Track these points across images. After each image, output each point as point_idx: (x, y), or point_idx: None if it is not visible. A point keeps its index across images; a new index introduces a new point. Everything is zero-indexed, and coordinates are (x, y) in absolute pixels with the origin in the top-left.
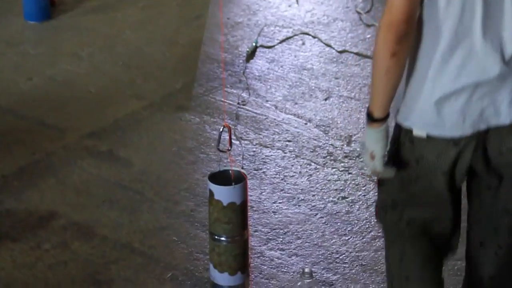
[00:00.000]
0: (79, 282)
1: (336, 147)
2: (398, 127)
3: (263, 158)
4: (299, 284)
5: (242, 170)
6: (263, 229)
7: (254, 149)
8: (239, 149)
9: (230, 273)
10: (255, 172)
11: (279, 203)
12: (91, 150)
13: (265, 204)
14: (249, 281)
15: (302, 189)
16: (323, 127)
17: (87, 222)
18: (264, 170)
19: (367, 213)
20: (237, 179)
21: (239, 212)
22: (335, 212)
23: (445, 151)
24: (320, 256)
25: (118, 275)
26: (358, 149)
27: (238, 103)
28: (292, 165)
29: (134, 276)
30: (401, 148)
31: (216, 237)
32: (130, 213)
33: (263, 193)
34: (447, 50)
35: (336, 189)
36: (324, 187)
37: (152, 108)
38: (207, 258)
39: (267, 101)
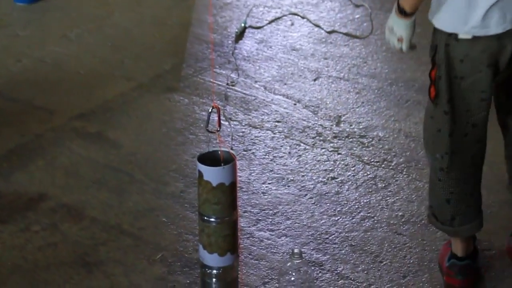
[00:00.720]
0: (68, 263)
1: (325, 128)
2: (439, 32)
3: (252, 139)
4: (288, 264)
5: (231, 151)
6: (252, 210)
7: (243, 130)
8: (228, 130)
9: (219, 254)
10: (244, 153)
11: (269, 183)
12: (80, 132)
13: (254, 185)
14: (238, 261)
15: (291, 170)
16: (312, 108)
17: (76, 203)
18: (253, 151)
19: (357, 194)
20: (226, 160)
21: (228, 193)
22: (324, 192)
23: (489, 47)
24: (309, 237)
25: (107, 256)
26: (347, 129)
27: (227, 84)
28: (282, 146)
29: (124, 257)
30: (444, 49)
31: (205, 218)
32: (119, 195)
33: (253, 174)
34: None
35: (325, 170)
36: (313, 168)
37: (141, 89)
38: (197, 239)
39: (256, 81)
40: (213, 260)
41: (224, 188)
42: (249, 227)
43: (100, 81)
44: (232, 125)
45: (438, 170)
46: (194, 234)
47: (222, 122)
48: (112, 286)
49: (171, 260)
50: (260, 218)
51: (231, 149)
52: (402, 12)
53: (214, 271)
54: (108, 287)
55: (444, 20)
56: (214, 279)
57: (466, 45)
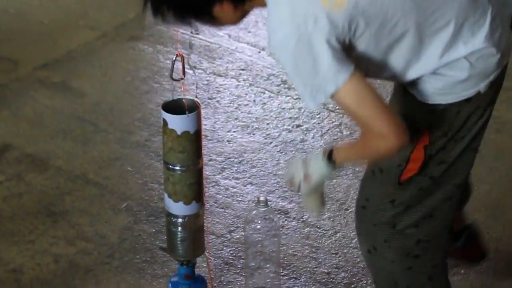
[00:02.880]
0: (33, 213)
1: None
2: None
3: (217, 87)
4: (254, 212)
5: (196, 99)
6: (217, 158)
7: (208, 78)
8: (193, 78)
9: (185, 202)
10: (209, 101)
11: (234, 131)
12: (44, 82)
13: (219, 133)
14: (204, 210)
15: (256, 118)
16: None
17: (41, 153)
18: (218, 99)
19: (322, 141)
20: (191, 108)
21: (193, 141)
22: (289, 140)
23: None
24: (275, 185)
25: (73, 206)
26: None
27: (191, 32)
28: (246, 94)
29: (89, 206)
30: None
31: (170, 166)
32: (84, 144)
33: (217, 122)
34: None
35: (290, 117)
36: (278, 115)
37: (105, 38)
38: (162, 188)
39: (220, 29)
40: (178, 208)
41: (189, 136)
42: (215, 175)
43: (64, 31)
44: (196, 73)
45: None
46: (159, 183)
47: (186, 70)
48: (78, 236)
49: (137, 209)
50: (225, 167)
51: (196, 97)
52: (331, 162)
53: (180, 220)
54: (73, 237)
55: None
56: (179, 228)
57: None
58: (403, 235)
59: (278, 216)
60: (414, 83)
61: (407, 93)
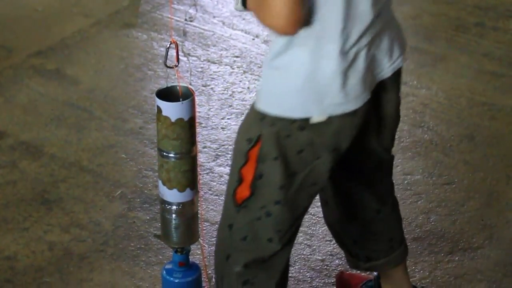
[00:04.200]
0: (28, 201)
1: None
2: (274, 120)
3: (211, 74)
4: None
5: (190, 86)
6: (212, 145)
7: (202, 65)
8: (187, 65)
9: (179, 189)
10: (203, 88)
11: (228, 119)
12: (39, 69)
13: (213, 120)
14: (198, 197)
15: (250, 105)
16: None
17: (35, 141)
18: (212, 86)
19: None
20: (185, 95)
21: (187, 128)
22: None
23: (343, 126)
24: None
25: (67, 193)
26: None
27: (185, 20)
28: (240, 81)
29: (83, 194)
30: (282, 143)
31: (164, 153)
32: (78, 131)
33: (212, 109)
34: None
35: None
36: None
37: (99, 25)
38: (156, 175)
39: (214, 17)
40: (172, 195)
41: (183, 124)
42: (209, 162)
43: (58, 18)
44: (190, 61)
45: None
46: (153, 170)
47: (180, 57)
48: (72, 223)
49: (131, 196)
50: (219, 154)
51: (190, 84)
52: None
53: (174, 207)
54: (68, 224)
55: (288, 103)
56: (174, 215)
57: (314, 131)
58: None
59: None
60: None
61: None
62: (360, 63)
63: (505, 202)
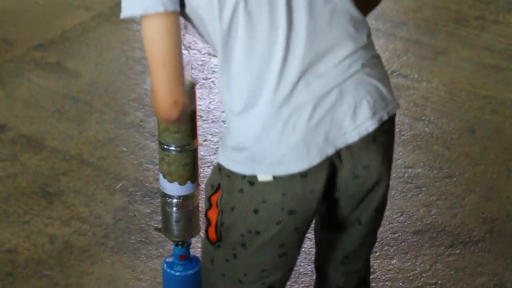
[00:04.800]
0: (28, 194)
1: None
2: (228, 173)
3: (211, 67)
4: None
5: (191, 79)
6: (212, 139)
7: (203, 58)
8: (188, 58)
9: (180, 182)
10: (204, 81)
11: None
12: (39, 62)
13: (214, 114)
14: (199, 190)
15: None
16: None
17: (36, 134)
18: (213, 79)
19: None
20: (186, 88)
21: (188, 121)
22: None
23: (291, 188)
24: None
25: (68, 186)
26: None
27: None
28: None
29: (84, 187)
30: (235, 196)
31: (165, 146)
32: (79, 125)
33: (212, 103)
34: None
35: None
36: None
37: (100, 18)
38: (157, 168)
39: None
40: (173, 189)
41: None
42: (209, 155)
43: (59, 11)
44: (191, 54)
45: None
46: (154, 163)
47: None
48: (73, 217)
49: (132, 189)
50: None
51: (191, 77)
52: None
53: (175, 200)
54: (68, 218)
55: (235, 158)
56: (174, 208)
57: (264, 189)
58: None
59: None
60: None
61: None
62: (301, 122)
63: (505, 195)
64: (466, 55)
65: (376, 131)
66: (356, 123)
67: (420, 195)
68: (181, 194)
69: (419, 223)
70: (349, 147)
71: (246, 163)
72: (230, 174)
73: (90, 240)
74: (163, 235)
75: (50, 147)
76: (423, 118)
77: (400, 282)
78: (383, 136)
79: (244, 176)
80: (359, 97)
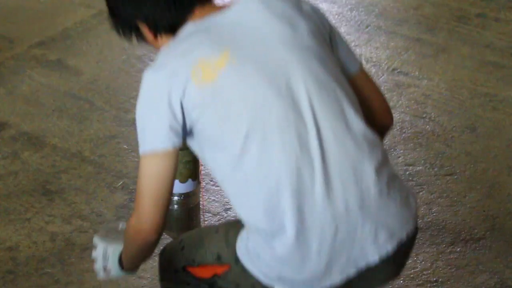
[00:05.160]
0: (29, 191)
1: None
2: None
3: None
4: None
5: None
6: None
7: None
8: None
9: (180, 180)
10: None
11: None
12: (40, 60)
13: None
14: (200, 188)
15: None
16: None
17: (37, 131)
18: None
19: None
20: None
21: None
22: None
23: None
24: None
25: (69, 184)
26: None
27: None
28: None
29: (85, 185)
30: None
31: None
32: (80, 122)
33: None
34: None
35: None
36: None
37: (101, 16)
38: None
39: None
40: (174, 187)
41: None
42: None
43: (60, 9)
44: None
45: None
46: None
47: None
48: (74, 214)
49: (133, 187)
50: None
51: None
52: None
53: (176, 198)
54: (69, 215)
55: (258, 265)
56: (175, 206)
57: None
58: None
59: None
60: None
61: None
62: (312, 245)
63: (506, 193)
64: (467, 52)
65: (395, 253)
66: (377, 244)
67: (421, 193)
68: (182, 191)
69: (420, 221)
70: (368, 266)
71: (268, 276)
72: (247, 271)
73: (91, 238)
74: (164, 233)
75: (51, 145)
76: (424, 115)
77: (401, 280)
78: (401, 257)
79: (261, 282)
80: (381, 219)
